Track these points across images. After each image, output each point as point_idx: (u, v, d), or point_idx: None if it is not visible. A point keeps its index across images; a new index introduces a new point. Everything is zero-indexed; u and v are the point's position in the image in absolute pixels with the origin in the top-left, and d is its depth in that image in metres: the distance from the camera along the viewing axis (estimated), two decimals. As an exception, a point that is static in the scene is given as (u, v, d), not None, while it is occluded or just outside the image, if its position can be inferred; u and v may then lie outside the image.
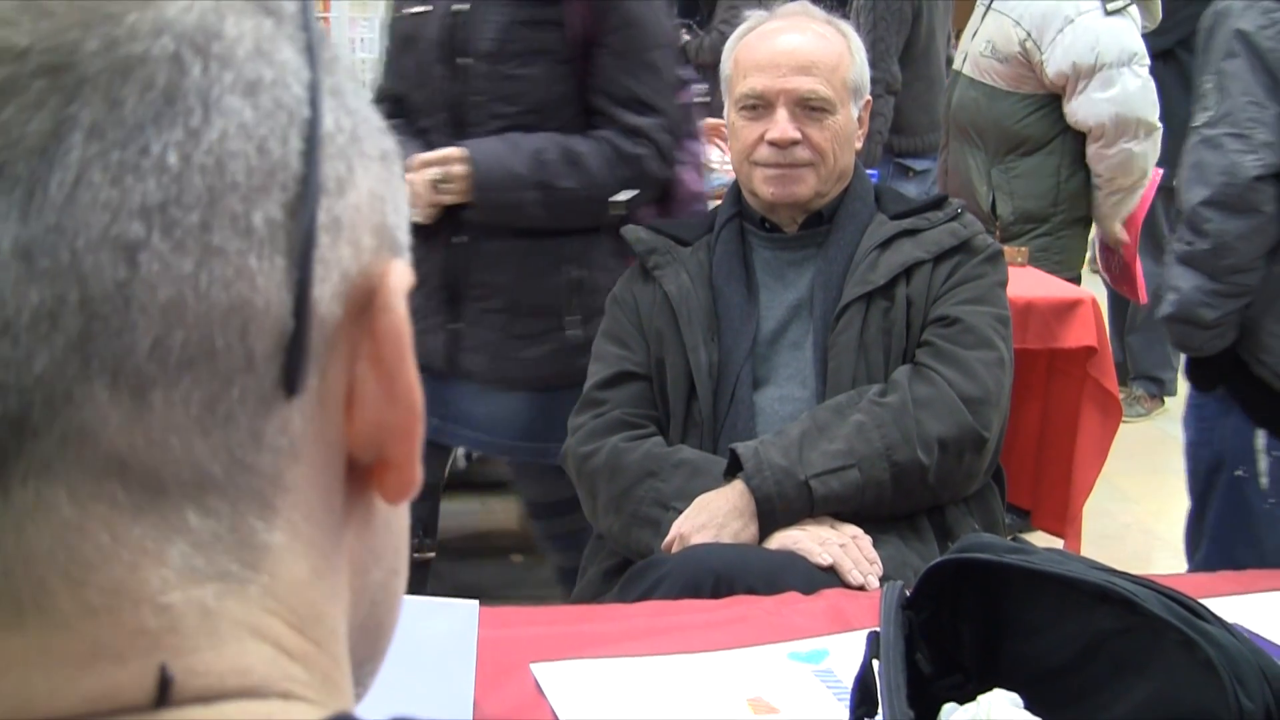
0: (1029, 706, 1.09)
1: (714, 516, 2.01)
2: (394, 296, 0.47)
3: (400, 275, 0.48)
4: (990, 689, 1.12)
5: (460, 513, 4.51)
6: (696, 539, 2.00)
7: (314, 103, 0.44)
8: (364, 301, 0.47)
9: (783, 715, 1.38)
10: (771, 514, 2.00)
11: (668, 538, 2.03)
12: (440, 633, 1.29)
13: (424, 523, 3.67)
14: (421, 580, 3.64)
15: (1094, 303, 3.12)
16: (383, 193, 0.48)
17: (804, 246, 2.23)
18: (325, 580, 0.50)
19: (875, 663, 1.12)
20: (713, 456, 2.10)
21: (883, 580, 1.94)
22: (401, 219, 0.50)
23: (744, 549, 1.96)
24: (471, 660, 1.29)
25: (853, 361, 2.11)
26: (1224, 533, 2.35)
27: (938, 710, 1.12)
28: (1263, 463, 2.27)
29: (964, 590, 1.17)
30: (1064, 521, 3.14)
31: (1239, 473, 2.30)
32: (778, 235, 2.25)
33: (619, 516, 2.13)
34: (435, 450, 2.82)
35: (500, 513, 4.62)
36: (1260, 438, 2.27)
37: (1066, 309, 3.13)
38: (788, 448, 2.01)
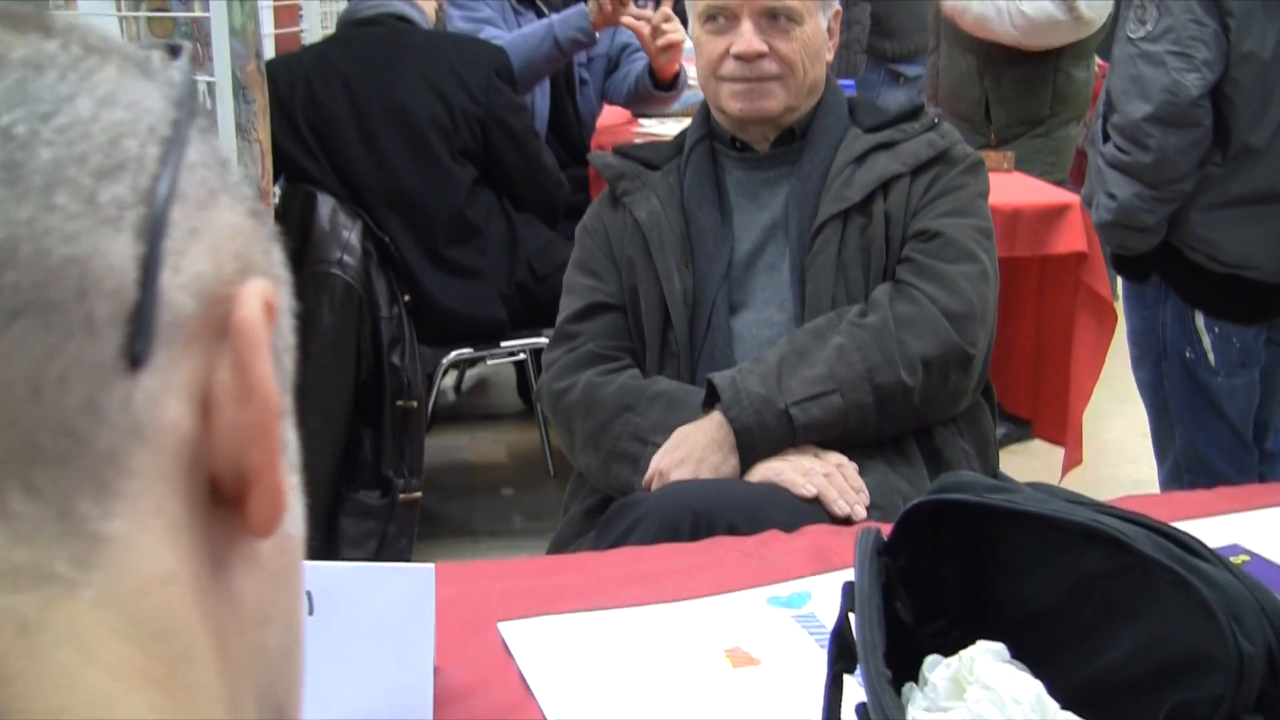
0: (1016, 654, 1.02)
1: (692, 451, 1.95)
2: (250, 298, 0.48)
3: (260, 285, 0.49)
4: (975, 635, 1.05)
5: (449, 448, 4.45)
6: (676, 475, 1.93)
7: (177, 126, 0.47)
8: (223, 315, 0.47)
9: (763, 667, 1.31)
10: (752, 445, 1.93)
11: (647, 474, 1.96)
12: (396, 600, 1.22)
13: (409, 463, 3.61)
14: (409, 522, 3.58)
15: (1082, 206, 3.03)
16: (250, 237, 0.50)
17: (777, 165, 2.14)
18: (193, 594, 0.46)
19: (852, 615, 1.05)
20: (690, 387, 2.03)
21: (870, 509, 1.87)
22: (272, 266, 0.52)
23: (724, 485, 1.90)
24: (430, 626, 1.22)
25: (831, 282, 2.03)
26: (1190, 418, 2.44)
27: (920, 661, 1.05)
28: (1207, 340, 2.38)
29: (943, 532, 1.10)
30: (1064, 431, 3.08)
31: (1187, 355, 2.41)
32: (749, 154, 2.16)
33: (597, 453, 2.06)
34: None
35: (490, 445, 4.56)
36: (1199, 318, 2.38)
37: (1055, 214, 3.05)
38: (766, 375, 1.94)
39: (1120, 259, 2.47)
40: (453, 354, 3.71)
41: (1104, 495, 3.54)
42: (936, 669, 0.98)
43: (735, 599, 1.45)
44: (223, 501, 0.48)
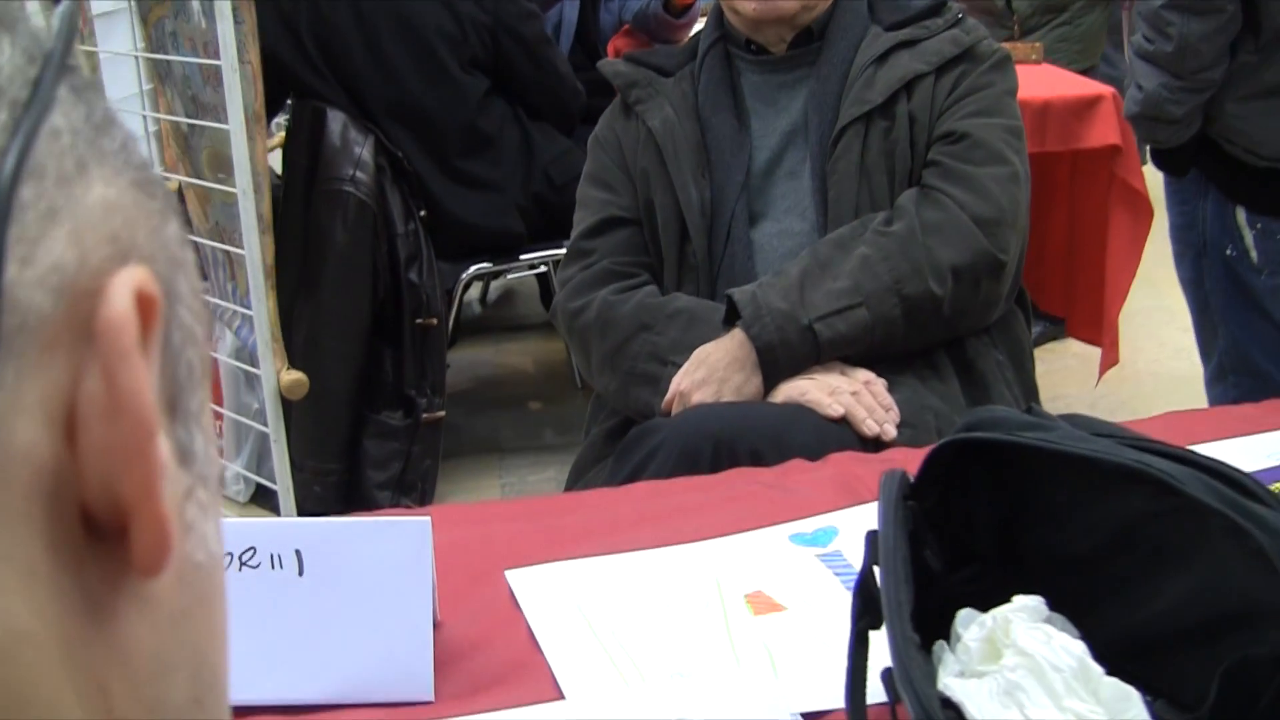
0: (1056, 604, 0.93)
1: (713, 371, 1.86)
2: (118, 292, 0.40)
3: (133, 275, 0.40)
4: (1010, 581, 0.97)
5: (474, 363, 4.38)
6: (696, 397, 1.85)
7: (38, 86, 0.40)
8: (89, 313, 0.40)
9: (787, 614, 1.24)
10: (775, 363, 1.85)
11: (666, 396, 1.88)
12: (390, 555, 1.14)
13: (431, 381, 3.54)
14: (433, 441, 3.52)
15: (1115, 97, 2.91)
16: (132, 214, 0.43)
17: (794, 67, 2.04)
18: (59, 652, 0.39)
19: (877, 567, 0.96)
20: (710, 304, 1.94)
21: (901, 427, 1.79)
22: (162, 247, 0.44)
23: (746, 408, 1.81)
24: (427, 582, 1.15)
25: (854, 188, 1.93)
26: (1233, 317, 2.33)
27: (951, 613, 0.96)
28: (1248, 237, 2.27)
29: (975, 473, 1.01)
30: (1100, 329, 2.98)
31: (1229, 252, 2.30)
32: (765, 57, 2.06)
33: (615, 375, 1.98)
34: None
35: (516, 358, 4.48)
36: (1241, 214, 2.27)
37: (1086, 107, 2.93)
38: (788, 290, 1.85)
39: (1157, 153, 2.36)
40: (471, 269, 3.63)
41: (1144, 394, 3.44)
42: (970, 628, 0.90)
43: (756, 538, 1.37)
44: (102, 537, 0.40)
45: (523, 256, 3.59)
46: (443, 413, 3.52)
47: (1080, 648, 0.83)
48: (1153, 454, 0.91)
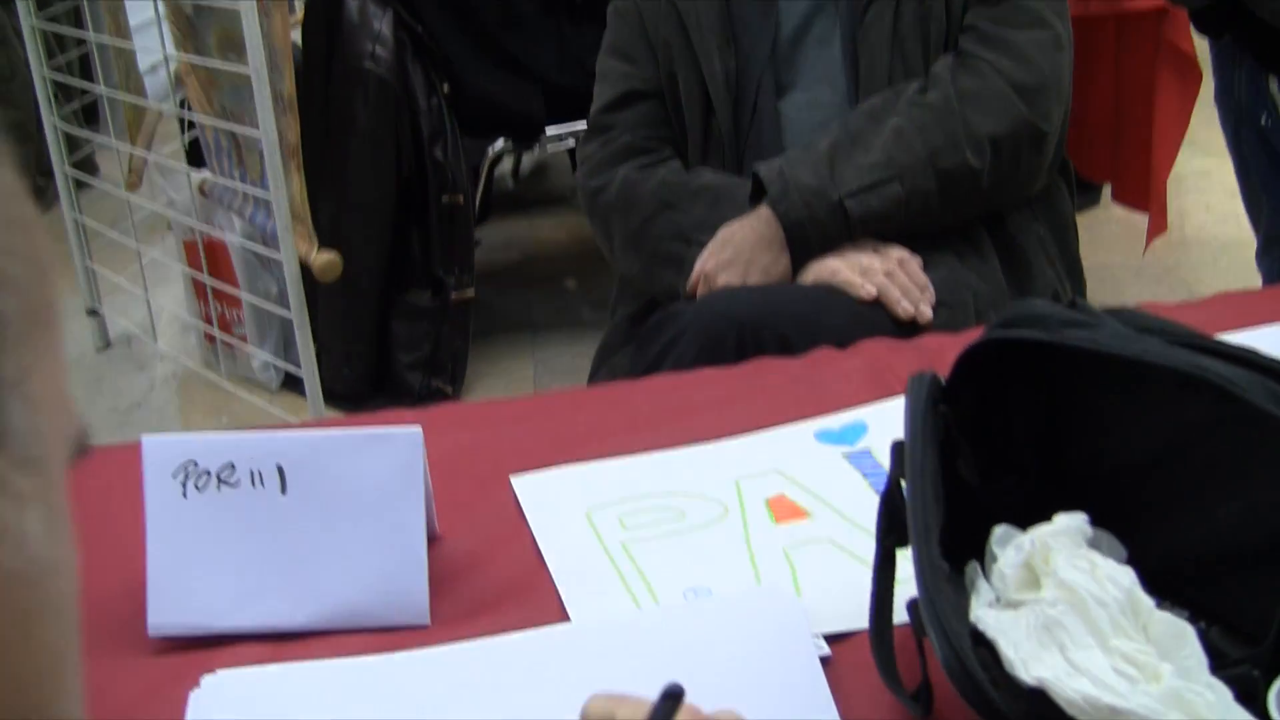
0: (1101, 519, 0.84)
1: (740, 251, 1.76)
2: None
3: None
4: (1051, 495, 0.88)
5: (507, 240, 4.28)
6: (722, 278, 1.76)
7: None
8: None
9: (811, 522, 1.15)
10: (804, 242, 1.75)
11: (691, 277, 1.79)
12: (381, 469, 1.06)
13: (459, 260, 3.45)
14: (463, 321, 3.44)
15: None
16: None
17: (822, -75, 1.90)
18: None
19: (904, 480, 0.87)
20: (736, 179, 1.84)
21: (938, 307, 1.69)
22: None
23: (772, 291, 1.72)
24: (419, 497, 1.07)
25: (887, 56, 1.81)
26: (1273, 187, 2.20)
27: (988, 530, 0.87)
28: None
29: (1013, 375, 0.91)
30: (1147, 195, 2.85)
31: (1264, 122, 2.16)
32: (791, -87, 1.92)
33: (638, 256, 1.89)
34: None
35: (550, 233, 4.37)
36: (1274, 83, 2.12)
37: (1130, -34, 2.77)
38: (817, 164, 1.74)
39: (1194, 13, 2.21)
40: (497, 144, 3.52)
41: (1192, 262, 3.31)
42: (1006, 550, 0.81)
43: (780, 435, 1.28)
44: None
45: (549, 130, 3.48)
46: (472, 292, 3.44)
47: (1128, 577, 0.74)
48: (1209, 355, 0.80)
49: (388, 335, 3.40)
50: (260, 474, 1.06)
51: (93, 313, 3.73)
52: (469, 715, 0.96)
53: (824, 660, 0.97)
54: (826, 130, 1.78)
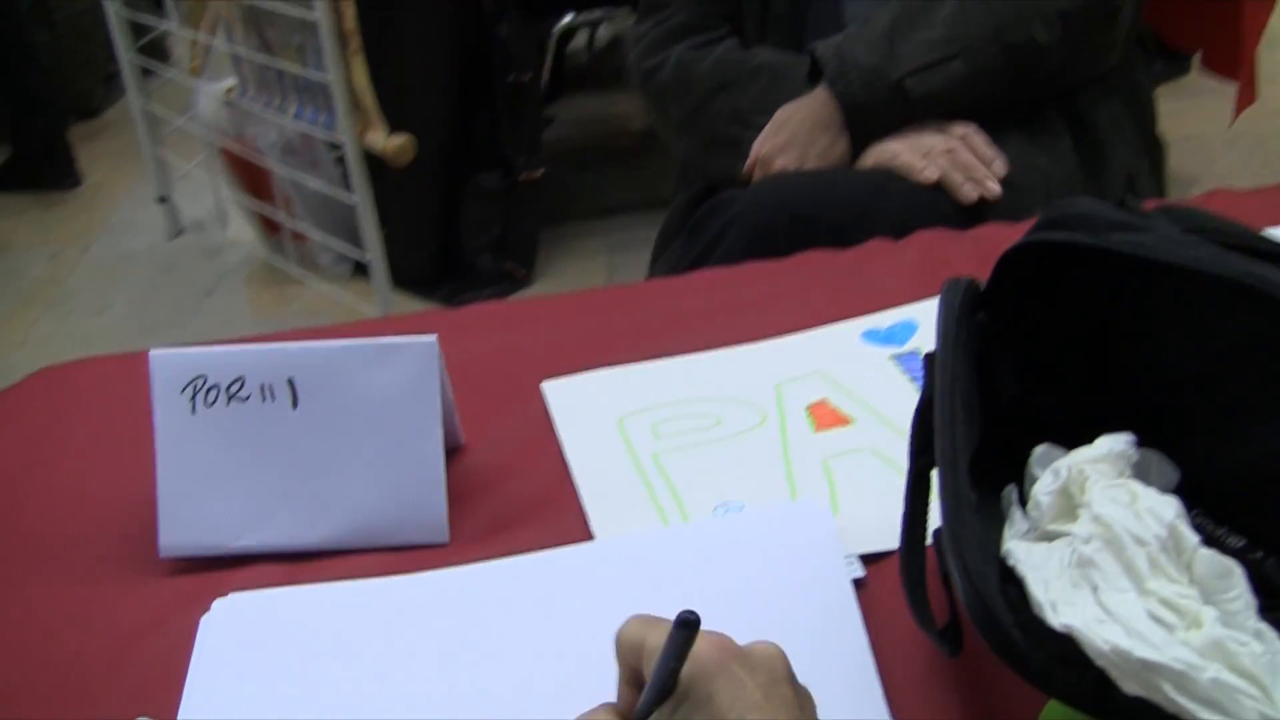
0: (1152, 436, 0.77)
1: (796, 134, 1.69)
2: None
3: None
4: (1097, 411, 0.81)
5: (580, 117, 4.20)
6: (779, 162, 1.69)
7: None
8: None
9: (854, 429, 1.09)
10: (863, 124, 1.67)
11: (748, 161, 1.72)
12: (396, 380, 1.01)
13: (527, 139, 3.39)
14: (533, 201, 3.39)
15: None
16: None
17: None
18: None
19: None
20: (795, 58, 1.76)
21: (1006, 185, 1.60)
22: None
23: (828, 177, 1.64)
24: (436, 409, 1.02)
25: (950, -75, 1.71)
26: None
27: (1029, 449, 0.81)
28: None
29: (1057, 278, 0.84)
30: (1236, 63, 2.70)
31: None
32: None
33: (694, 139, 1.82)
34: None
35: (625, 108, 4.27)
36: None
37: None
38: (875, 42, 1.65)
39: None
40: (564, 19, 3.43)
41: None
42: (1043, 476, 0.75)
43: (824, 335, 1.21)
44: None
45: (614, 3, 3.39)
46: (541, 172, 3.38)
47: (1171, 509, 0.67)
48: (1268, 261, 0.73)
49: (457, 218, 3.36)
50: (271, 388, 1.02)
51: (163, 200, 3.71)
52: (488, 638, 0.91)
53: (857, 582, 0.92)
54: (887, 6, 1.69)
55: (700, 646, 0.65)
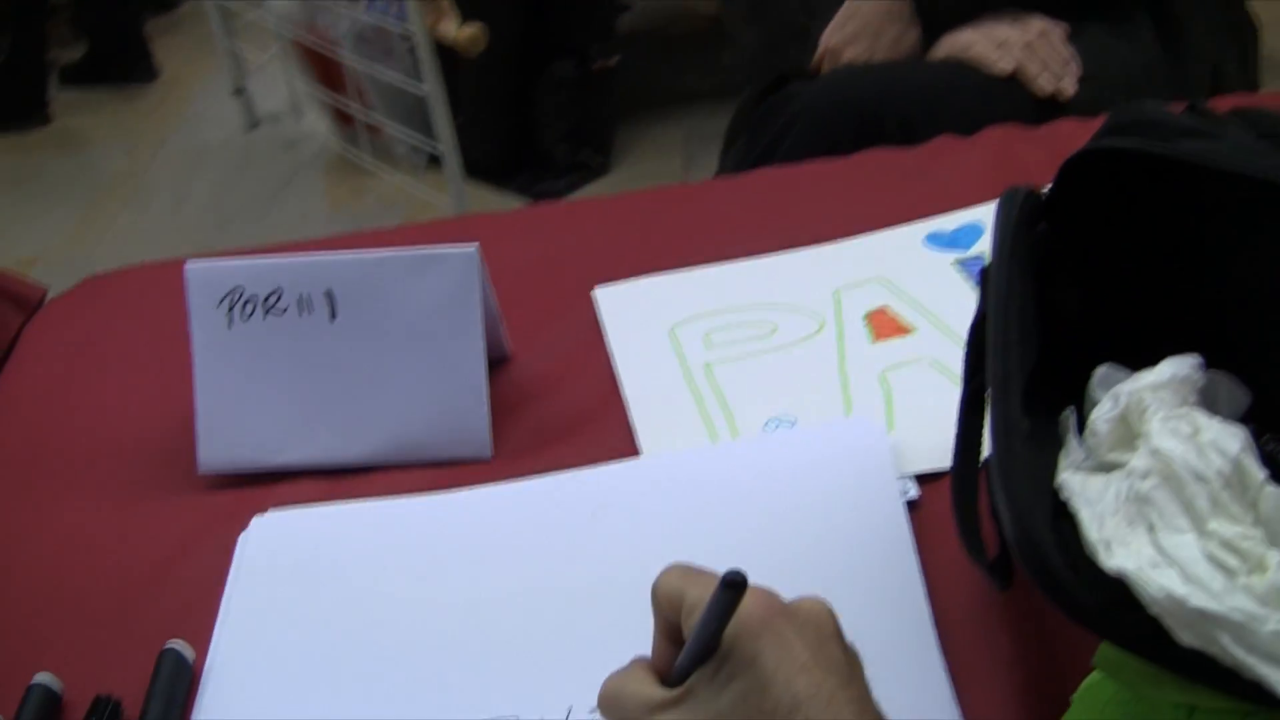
0: (1221, 356, 0.72)
1: (866, 24, 1.63)
2: None
3: None
4: (1164, 329, 0.76)
5: (654, 4, 4.10)
6: (848, 54, 1.63)
7: None
8: None
9: (914, 338, 1.04)
10: (934, 13, 1.60)
11: (817, 53, 1.66)
12: (436, 291, 0.98)
13: (601, 26, 3.32)
14: (608, 91, 3.33)
15: None
16: None
17: None
18: None
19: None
20: (867, -58, 1.68)
21: (1083, 81, 1.53)
22: None
23: (896, 69, 1.58)
24: (477, 321, 0.99)
25: None
26: None
27: (1091, 367, 0.76)
28: None
29: (1126, 187, 0.79)
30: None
31: None
32: None
33: (762, 29, 1.76)
34: None
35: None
36: None
37: None
38: None
39: None
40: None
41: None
42: (1103, 402, 0.70)
43: (887, 239, 1.17)
44: None
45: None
46: (616, 59, 3.32)
47: (1237, 442, 0.63)
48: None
49: (532, 109, 3.31)
50: (309, 299, 0.99)
51: (238, 92, 3.69)
52: (529, 557, 0.89)
53: (911, 504, 0.88)
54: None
55: (745, 603, 0.61)
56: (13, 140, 3.89)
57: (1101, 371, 0.75)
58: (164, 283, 1.22)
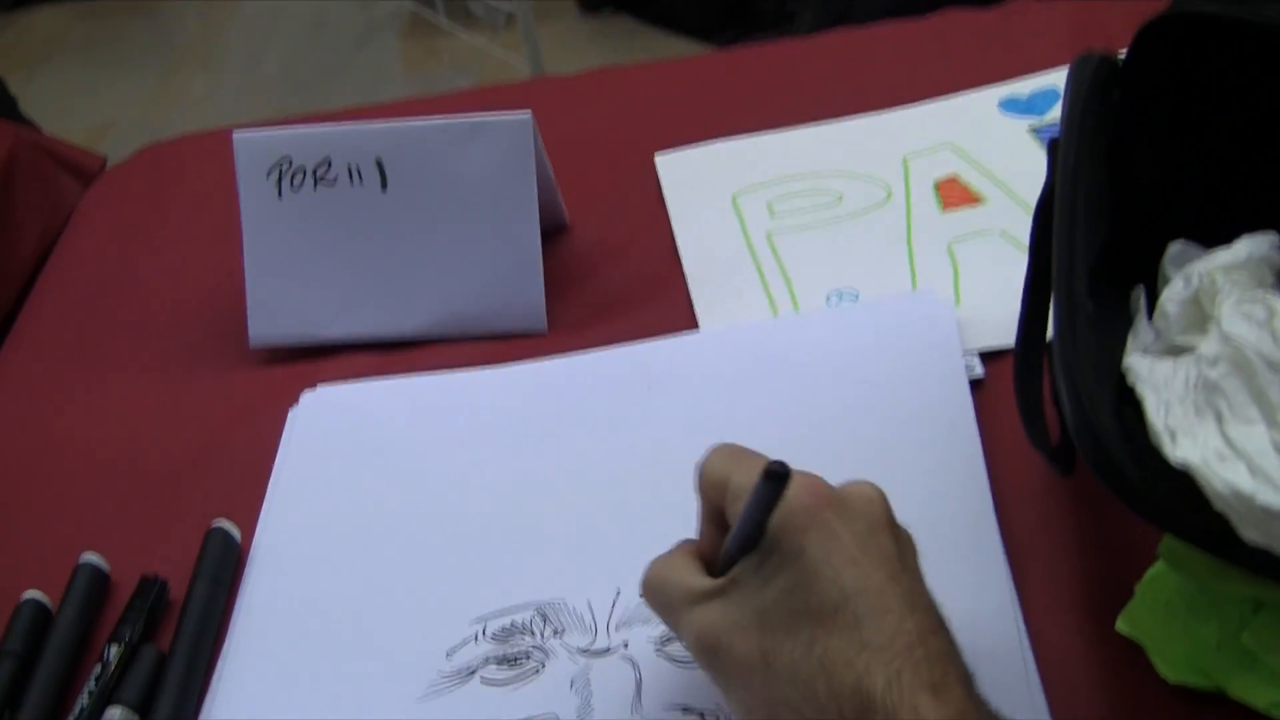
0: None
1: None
2: None
3: None
4: (1243, 204, 0.72)
5: None
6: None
7: None
8: None
9: (985, 208, 1.00)
10: None
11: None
12: (489, 159, 0.96)
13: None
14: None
15: None
16: None
17: None
18: None
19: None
20: None
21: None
22: None
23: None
24: (532, 189, 0.96)
25: None
26: None
27: (1162, 245, 0.72)
28: None
29: (1205, 53, 0.74)
30: None
31: None
32: None
33: None
34: None
35: None
36: None
37: None
38: None
39: None
40: None
41: None
42: (1175, 282, 0.67)
43: (959, 104, 1.12)
44: None
45: None
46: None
47: (1316, 324, 0.59)
48: None
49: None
50: (358, 169, 0.97)
51: (312, -50, 3.65)
52: (584, 431, 0.87)
53: (976, 382, 0.85)
54: None
55: (791, 492, 0.58)
56: (87, 6, 3.88)
57: (1175, 248, 0.71)
58: (221, 152, 1.20)
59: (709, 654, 0.61)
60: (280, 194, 0.97)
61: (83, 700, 0.73)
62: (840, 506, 0.60)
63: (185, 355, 1.00)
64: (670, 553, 0.66)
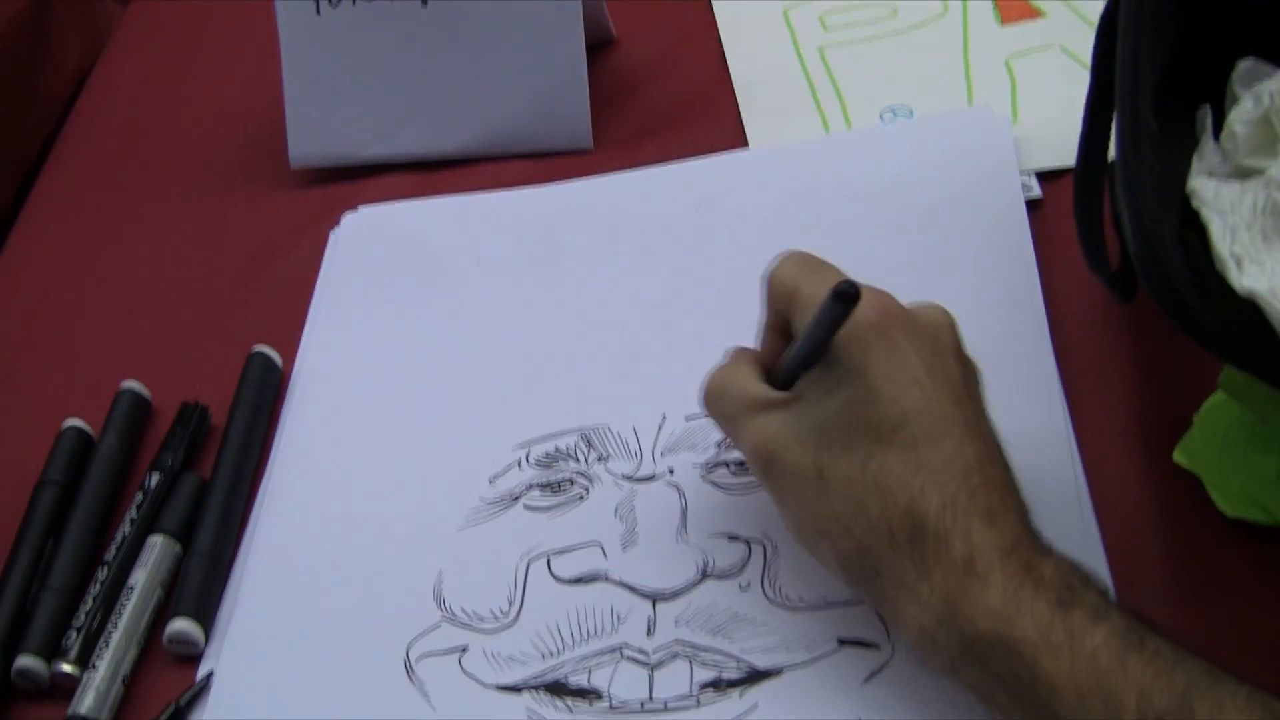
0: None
1: None
2: None
3: None
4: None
5: None
6: None
7: None
8: None
9: (1045, 22, 0.97)
10: None
11: None
12: (541, 33, 0.92)
13: None
14: None
15: None
16: None
17: None
18: None
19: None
20: None
21: None
22: None
23: None
24: (582, 62, 0.93)
25: None
26: None
27: (1231, 62, 0.69)
28: None
29: None
30: None
31: None
32: None
33: None
34: None
35: None
36: None
37: None
38: None
39: None
40: None
41: None
42: (1244, 100, 0.64)
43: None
44: None
45: None
46: None
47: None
48: None
49: None
50: (398, -17, 0.94)
51: None
52: (631, 251, 0.85)
53: (1033, 203, 0.83)
54: None
55: (860, 307, 0.56)
56: None
57: (1244, 66, 0.68)
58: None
59: (765, 464, 0.60)
60: (319, 10, 0.94)
61: (124, 529, 0.73)
62: (909, 326, 0.58)
63: (225, 178, 0.98)
64: (731, 361, 0.65)
